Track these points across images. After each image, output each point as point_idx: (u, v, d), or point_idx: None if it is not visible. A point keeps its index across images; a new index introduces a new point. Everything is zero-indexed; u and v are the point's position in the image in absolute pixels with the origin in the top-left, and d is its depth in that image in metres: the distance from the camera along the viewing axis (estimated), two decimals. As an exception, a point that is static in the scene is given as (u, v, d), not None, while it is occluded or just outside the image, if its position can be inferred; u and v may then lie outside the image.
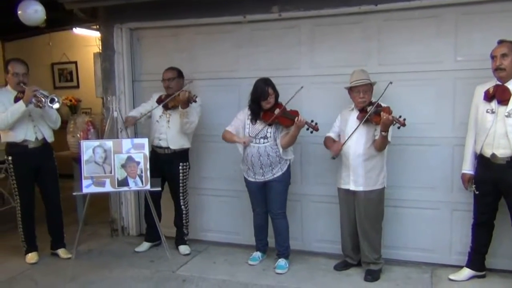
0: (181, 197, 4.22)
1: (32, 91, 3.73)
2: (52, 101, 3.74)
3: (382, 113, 3.27)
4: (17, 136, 3.88)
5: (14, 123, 3.80)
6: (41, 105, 3.75)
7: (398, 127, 3.27)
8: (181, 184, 4.19)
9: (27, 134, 3.89)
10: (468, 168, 3.45)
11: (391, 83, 3.49)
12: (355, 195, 3.60)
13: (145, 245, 4.37)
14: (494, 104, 3.23)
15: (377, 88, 3.55)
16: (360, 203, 3.57)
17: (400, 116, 3.24)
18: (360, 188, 3.55)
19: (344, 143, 3.50)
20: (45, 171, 4.05)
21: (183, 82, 4.11)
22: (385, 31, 3.82)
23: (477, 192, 3.36)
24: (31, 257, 4.06)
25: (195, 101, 3.88)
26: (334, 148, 3.57)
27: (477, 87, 3.38)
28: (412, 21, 3.74)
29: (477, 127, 3.35)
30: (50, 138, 4.03)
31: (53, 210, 4.17)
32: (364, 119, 3.41)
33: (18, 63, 3.93)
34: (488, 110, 3.25)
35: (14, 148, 3.93)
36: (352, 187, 3.58)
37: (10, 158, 3.95)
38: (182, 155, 4.18)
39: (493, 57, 3.22)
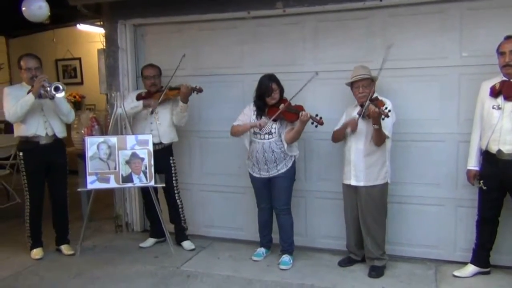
0: (175, 191, 4.23)
1: (41, 81, 3.73)
2: (56, 89, 3.72)
3: (370, 105, 3.26)
4: (28, 130, 3.88)
5: (24, 115, 3.80)
6: (47, 94, 3.74)
7: (383, 118, 3.26)
8: (174, 179, 4.21)
9: (38, 129, 3.89)
10: (473, 164, 3.44)
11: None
12: (357, 190, 3.59)
13: (150, 241, 4.38)
14: (500, 100, 3.21)
15: (377, 83, 3.53)
16: (362, 199, 3.57)
17: (386, 108, 3.23)
18: (361, 184, 3.55)
19: (358, 118, 3.42)
20: (55, 167, 4.05)
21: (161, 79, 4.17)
22: (390, 27, 3.80)
23: (485, 188, 3.34)
24: (36, 252, 4.07)
25: (201, 91, 3.90)
26: (351, 123, 3.47)
27: (483, 83, 3.36)
28: (416, 16, 3.72)
29: (483, 123, 3.34)
30: (61, 133, 4.04)
31: (60, 206, 4.18)
32: (362, 113, 3.40)
33: (30, 58, 3.95)
34: (494, 106, 3.23)
35: (25, 144, 3.95)
36: (353, 182, 3.58)
37: (21, 153, 3.97)
38: (171, 149, 4.25)
39: (501, 53, 3.19)
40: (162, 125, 4.11)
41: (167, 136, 4.15)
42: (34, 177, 3.98)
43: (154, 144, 4.09)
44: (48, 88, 3.71)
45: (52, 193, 4.13)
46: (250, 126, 3.75)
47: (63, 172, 4.14)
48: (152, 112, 4.07)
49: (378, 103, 3.32)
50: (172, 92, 4.02)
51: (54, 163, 4.03)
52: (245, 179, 4.07)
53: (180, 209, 4.28)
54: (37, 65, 3.94)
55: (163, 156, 4.16)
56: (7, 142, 5.99)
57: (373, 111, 3.23)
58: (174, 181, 4.23)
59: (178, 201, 4.26)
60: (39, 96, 3.78)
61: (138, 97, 4.16)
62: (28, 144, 3.93)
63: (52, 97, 3.76)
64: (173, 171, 4.22)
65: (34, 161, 3.94)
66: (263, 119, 3.71)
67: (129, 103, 4.18)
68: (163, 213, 4.33)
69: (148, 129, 4.11)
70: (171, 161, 4.21)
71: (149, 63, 4.21)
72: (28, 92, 3.82)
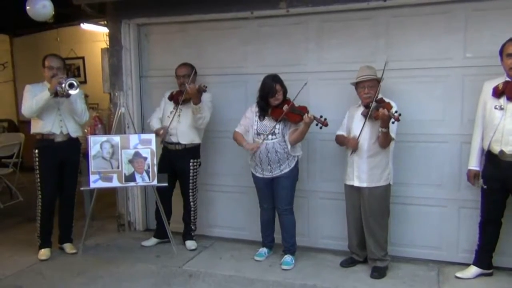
0: (190, 194, 4.22)
1: (58, 79, 3.77)
2: (71, 85, 3.73)
3: (380, 109, 3.26)
4: (44, 127, 3.92)
5: (39, 111, 3.83)
6: (63, 91, 3.75)
7: (393, 122, 3.26)
8: (191, 181, 4.18)
9: (53, 127, 3.93)
10: (474, 164, 3.43)
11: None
12: (360, 191, 3.59)
13: (153, 241, 4.37)
14: (503, 101, 3.21)
15: (383, 84, 3.53)
16: (365, 200, 3.57)
17: (396, 111, 3.22)
18: (364, 185, 3.54)
19: (359, 136, 3.45)
20: (68, 165, 4.07)
21: (196, 78, 4.07)
22: (394, 27, 3.80)
23: (485, 187, 3.33)
24: (43, 253, 4.06)
25: (204, 91, 3.88)
26: (351, 143, 3.51)
27: (485, 83, 3.36)
28: (421, 17, 3.72)
29: (485, 123, 3.33)
30: (74, 133, 4.05)
31: (67, 204, 4.19)
32: (368, 115, 3.39)
33: (54, 57, 4.01)
34: (497, 106, 3.22)
35: (40, 142, 3.97)
36: (356, 183, 3.58)
37: (36, 151, 3.99)
38: (193, 151, 4.17)
39: (507, 55, 3.17)
40: (182, 124, 4.07)
41: (186, 136, 4.09)
42: (47, 175, 3.99)
43: (173, 144, 4.10)
44: (63, 85, 3.73)
45: (61, 190, 4.14)
46: (244, 146, 3.78)
47: (75, 170, 4.16)
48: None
49: (385, 105, 3.31)
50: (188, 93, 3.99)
51: (67, 161, 4.05)
52: (247, 179, 4.07)
53: (192, 211, 4.27)
54: (59, 65, 3.99)
55: (182, 157, 4.12)
56: (11, 140, 6.02)
57: (382, 114, 3.21)
58: (190, 184, 4.18)
59: (191, 203, 4.24)
60: (55, 94, 3.81)
61: (170, 96, 4.16)
62: (43, 142, 3.97)
63: (68, 95, 3.79)
64: (191, 174, 4.15)
65: (48, 159, 3.96)
66: (256, 143, 3.71)
67: (160, 104, 4.24)
68: (179, 211, 4.34)
69: (169, 127, 4.11)
70: (191, 163, 4.14)
71: (183, 62, 4.15)
72: None
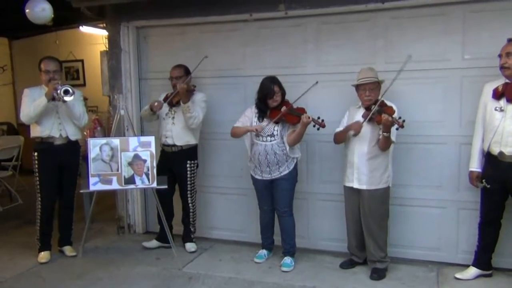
0: (188, 195, 4.22)
1: (54, 84, 3.77)
2: (66, 92, 3.73)
3: (383, 114, 3.26)
4: (43, 131, 3.93)
5: (37, 117, 3.84)
6: (59, 97, 3.75)
7: (397, 128, 3.27)
8: (188, 182, 4.18)
9: (52, 130, 3.93)
10: (475, 166, 3.43)
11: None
12: (359, 193, 3.59)
13: (154, 243, 4.36)
14: (503, 102, 3.22)
15: (383, 86, 3.54)
16: (365, 202, 3.57)
17: (399, 117, 3.23)
18: (364, 187, 3.54)
19: (363, 122, 3.41)
20: (67, 168, 4.07)
21: (190, 79, 4.09)
22: (392, 29, 3.81)
23: (488, 186, 3.32)
24: (43, 256, 4.05)
25: (193, 90, 3.92)
26: (354, 126, 3.45)
27: (486, 85, 3.37)
28: (419, 19, 3.73)
29: (485, 125, 3.34)
30: (73, 136, 4.05)
31: (66, 206, 4.18)
32: (368, 118, 3.39)
33: (50, 61, 3.98)
34: (497, 108, 3.24)
35: (40, 145, 3.98)
36: (356, 185, 3.58)
37: (35, 154, 3.99)
38: (190, 152, 4.17)
39: (500, 55, 3.21)
40: (176, 126, 4.08)
41: (181, 138, 4.09)
42: (47, 178, 3.99)
43: (169, 146, 4.11)
44: (58, 91, 3.73)
45: (61, 193, 4.13)
46: (247, 130, 3.76)
47: (74, 173, 4.16)
48: (154, 113, 4.08)
49: (387, 109, 3.30)
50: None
51: (67, 164, 4.05)
52: (247, 181, 4.08)
53: (190, 213, 4.27)
54: (56, 68, 3.97)
55: (179, 159, 4.12)
56: (10, 143, 6.02)
57: (386, 120, 3.21)
58: (188, 185, 4.18)
59: (190, 204, 4.24)
60: (52, 99, 3.81)
61: (164, 98, 4.15)
62: (42, 145, 3.97)
63: (64, 101, 3.79)
64: (188, 175, 4.15)
65: (48, 161, 3.96)
66: (261, 123, 3.71)
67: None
68: (178, 214, 4.34)
69: (164, 130, 4.12)
70: (188, 165, 4.14)
71: (177, 63, 4.16)
72: None
